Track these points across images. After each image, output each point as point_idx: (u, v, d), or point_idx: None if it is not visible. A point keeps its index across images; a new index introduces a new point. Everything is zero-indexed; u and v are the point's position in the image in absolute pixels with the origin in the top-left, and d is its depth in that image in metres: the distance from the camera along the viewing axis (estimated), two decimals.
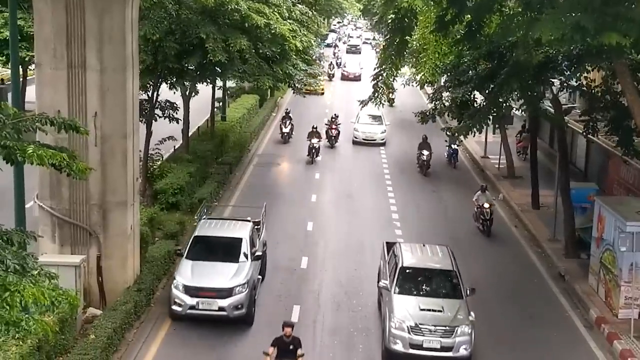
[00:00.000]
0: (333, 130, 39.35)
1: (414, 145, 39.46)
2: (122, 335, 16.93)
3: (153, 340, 17.35)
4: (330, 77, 66.93)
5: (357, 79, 66.48)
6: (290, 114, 41.97)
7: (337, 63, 73.36)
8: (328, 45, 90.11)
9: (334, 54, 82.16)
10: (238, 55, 26.29)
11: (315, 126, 36.82)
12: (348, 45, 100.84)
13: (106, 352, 15.71)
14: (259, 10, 26.19)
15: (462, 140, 35.50)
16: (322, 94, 58.11)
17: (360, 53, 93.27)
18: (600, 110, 23.39)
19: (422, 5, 17.01)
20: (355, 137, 41.22)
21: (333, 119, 40.16)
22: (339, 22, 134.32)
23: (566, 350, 17.99)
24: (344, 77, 68.14)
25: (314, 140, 35.85)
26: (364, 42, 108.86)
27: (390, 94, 50.65)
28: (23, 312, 9.94)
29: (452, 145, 36.14)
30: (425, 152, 34.21)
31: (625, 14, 14.67)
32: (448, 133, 34.94)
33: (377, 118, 42.27)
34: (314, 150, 35.87)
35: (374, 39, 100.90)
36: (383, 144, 40.95)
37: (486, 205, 25.91)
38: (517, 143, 37.45)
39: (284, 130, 40.53)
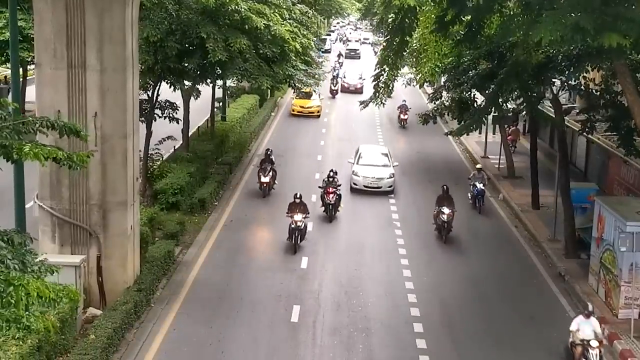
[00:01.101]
0: (330, 195, 26.94)
1: (413, 148, 39.39)
2: (122, 335, 16.94)
3: (153, 340, 17.34)
4: (334, 93, 56.67)
5: (358, 91, 57.17)
6: (271, 156, 30.19)
7: (336, 74, 62.33)
8: (326, 51, 78.89)
9: (335, 68, 66.23)
10: (238, 54, 26.30)
11: (299, 196, 24.22)
12: (347, 49, 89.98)
13: (106, 352, 15.72)
14: (260, 11, 26.21)
15: (479, 170, 30.14)
16: (318, 116, 47.57)
17: (359, 58, 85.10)
18: (600, 109, 23.42)
19: (414, 4, 16.94)
20: (354, 184, 30.75)
21: (330, 178, 27.47)
22: (338, 23, 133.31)
23: (566, 350, 17.97)
24: (344, 89, 58.75)
25: (297, 218, 23.46)
26: (363, 42, 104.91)
27: (402, 114, 46.12)
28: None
29: (478, 184, 28.81)
30: (447, 211, 25.07)
31: (625, 14, 14.68)
32: (475, 174, 29.65)
33: (382, 157, 32.38)
34: (297, 232, 23.52)
35: (374, 43, 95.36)
36: (391, 192, 30.88)
37: (594, 343, 16.58)
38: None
39: (263, 179, 29.07)
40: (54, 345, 15.09)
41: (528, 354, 17.72)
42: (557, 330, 18.83)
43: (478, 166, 31.37)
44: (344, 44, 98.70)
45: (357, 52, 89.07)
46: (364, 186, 30.68)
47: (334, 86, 56.95)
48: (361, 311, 19.54)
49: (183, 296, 19.88)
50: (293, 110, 47.79)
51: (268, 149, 31.38)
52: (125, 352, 16.69)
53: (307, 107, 46.71)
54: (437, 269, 22.77)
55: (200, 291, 20.28)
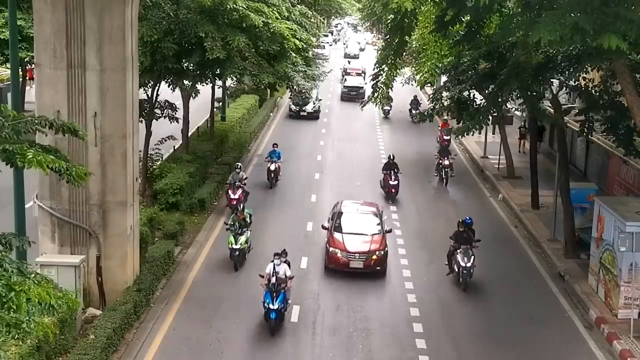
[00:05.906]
0: None
1: (413, 148, 39.31)
2: (122, 335, 16.94)
3: (153, 340, 17.35)
4: None
5: (368, 271, 22.22)
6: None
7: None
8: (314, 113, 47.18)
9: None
10: (237, 53, 26.28)
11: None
12: (344, 86, 57.58)
13: (106, 352, 15.72)
14: (258, 9, 26.21)
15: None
16: None
17: (364, 97, 41.68)
18: (598, 109, 23.42)
19: (411, 7, 16.95)
20: None
21: None
22: (336, 26, 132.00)
23: (566, 350, 17.99)
24: (335, 258, 22.16)
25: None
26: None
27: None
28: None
29: None
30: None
31: (624, 15, 14.68)
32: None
33: None
34: None
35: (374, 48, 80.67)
36: None
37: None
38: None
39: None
40: (54, 346, 15.09)
41: (527, 353, 17.71)
42: (557, 329, 18.86)
43: None
44: (342, 77, 61.93)
45: (361, 90, 54.14)
46: None
47: None
48: (361, 311, 19.54)
49: (183, 296, 19.88)
50: None
51: None
52: (125, 352, 16.70)
53: None
54: (437, 269, 22.75)
55: (200, 291, 20.28)
